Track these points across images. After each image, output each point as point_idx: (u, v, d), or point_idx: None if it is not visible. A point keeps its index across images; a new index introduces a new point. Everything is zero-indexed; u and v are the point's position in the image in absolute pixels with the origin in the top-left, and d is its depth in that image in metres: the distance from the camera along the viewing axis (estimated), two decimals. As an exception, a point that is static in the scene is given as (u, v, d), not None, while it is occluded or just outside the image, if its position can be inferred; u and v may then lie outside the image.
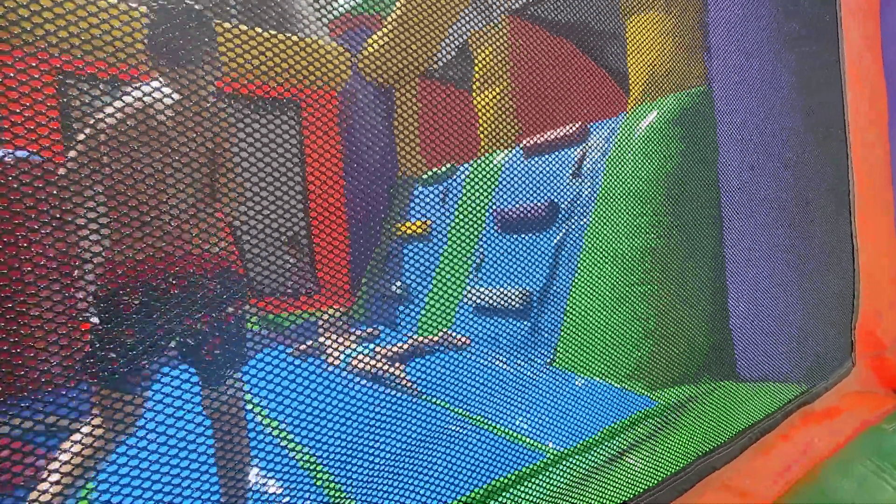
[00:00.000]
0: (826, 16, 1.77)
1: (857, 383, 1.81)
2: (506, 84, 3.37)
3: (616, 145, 2.40)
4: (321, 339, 2.85)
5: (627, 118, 2.41)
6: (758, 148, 1.88)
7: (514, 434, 1.75)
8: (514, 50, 3.39)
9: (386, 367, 2.33)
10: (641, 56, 2.50)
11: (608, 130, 2.51)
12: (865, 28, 2.09)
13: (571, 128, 2.65)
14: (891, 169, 2.07)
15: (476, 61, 3.50)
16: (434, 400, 1.99)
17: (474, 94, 3.52)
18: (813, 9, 1.85)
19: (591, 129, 2.65)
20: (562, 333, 2.30)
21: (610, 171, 2.38)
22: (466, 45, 3.59)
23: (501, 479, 1.38)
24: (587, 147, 2.58)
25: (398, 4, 3.17)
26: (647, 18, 2.46)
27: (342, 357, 2.54)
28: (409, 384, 2.29)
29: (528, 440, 1.71)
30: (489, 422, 1.82)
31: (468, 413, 1.84)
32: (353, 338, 2.94)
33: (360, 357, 2.45)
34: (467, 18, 2.94)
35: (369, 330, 3.05)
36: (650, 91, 2.44)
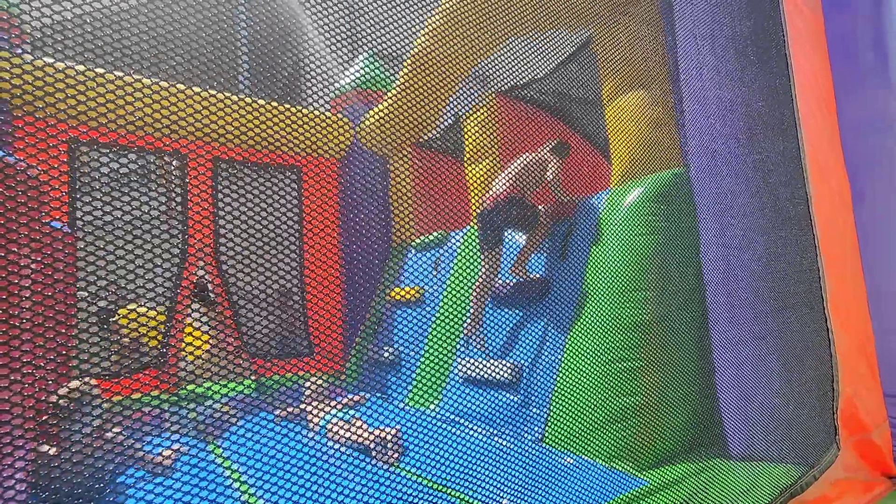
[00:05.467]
0: (784, 115, 1.94)
1: (844, 468, 1.80)
2: (495, 158, 3.55)
3: (602, 222, 2.51)
4: (306, 406, 2.80)
5: (611, 195, 2.55)
6: (732, 233, 2.00)
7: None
8: (502, 126, 3.61)
9: (375, 438, 2.27)
10: (621, 139, 2.68)
11: (594, 206, 2.63)
12: (824, 121, 2.28)
13: (559, 201, 2.78)
14: (859, 253, 2.19)
15: (466, 136, 3.70)
16: (420, 477, 1.94)
17: (466, 166, 3.69)
18: (773, 106, 2.04)
19: (579, 204, 2.78)
20: (551, 410, 2.29)
21: (597, 248, 2.47)
22: (459, 120, 3.81)
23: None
24: (574, 222, 2.69)
25: (397, 82, 3.39)
26: (626, 102, 2.66)
27: (326, 423, 2.47)
28: (395, 456, 2.23)
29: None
30: (476, 501, 1.77)
31: (456, 491, 1.79)
32: (340, 404, 2.89)
33: (344, 424, 2.40)
34: (460, 96, 3.16)
35: (357, 397, 2.99)
36: (630, 171, 2.59)
